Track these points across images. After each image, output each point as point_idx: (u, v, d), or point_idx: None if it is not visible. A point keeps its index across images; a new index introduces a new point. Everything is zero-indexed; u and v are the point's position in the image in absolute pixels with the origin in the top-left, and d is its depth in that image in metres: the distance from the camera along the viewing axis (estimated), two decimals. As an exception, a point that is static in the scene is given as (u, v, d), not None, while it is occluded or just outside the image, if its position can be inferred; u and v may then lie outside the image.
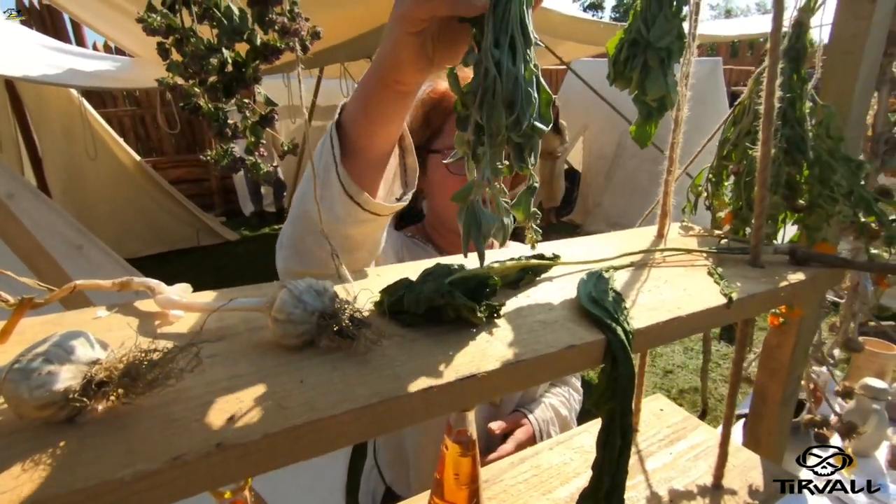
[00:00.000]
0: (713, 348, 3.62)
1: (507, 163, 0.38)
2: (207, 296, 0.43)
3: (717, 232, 0.78)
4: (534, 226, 0.43)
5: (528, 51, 0.37)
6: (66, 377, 0.26)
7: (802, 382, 1.36)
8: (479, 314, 0.40)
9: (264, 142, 0.38)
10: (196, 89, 0.34)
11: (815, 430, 1.30)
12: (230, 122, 0.36)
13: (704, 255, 0.64)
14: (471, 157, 0.37)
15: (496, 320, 0.43)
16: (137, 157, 4.79)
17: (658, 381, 3.30)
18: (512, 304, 0.47)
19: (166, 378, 0.28)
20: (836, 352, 1.10)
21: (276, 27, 0.32)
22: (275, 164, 5.95)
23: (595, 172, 6.22)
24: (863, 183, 0.69)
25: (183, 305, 0.39)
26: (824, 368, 1.12)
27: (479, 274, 0.44)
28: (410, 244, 0.95)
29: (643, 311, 0.47)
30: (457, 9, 0.39)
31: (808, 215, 0.72)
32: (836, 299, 1.19)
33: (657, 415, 0.89)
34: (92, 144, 4.08)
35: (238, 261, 5.00)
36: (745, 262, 0.62)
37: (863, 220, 0.68)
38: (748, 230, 0.75)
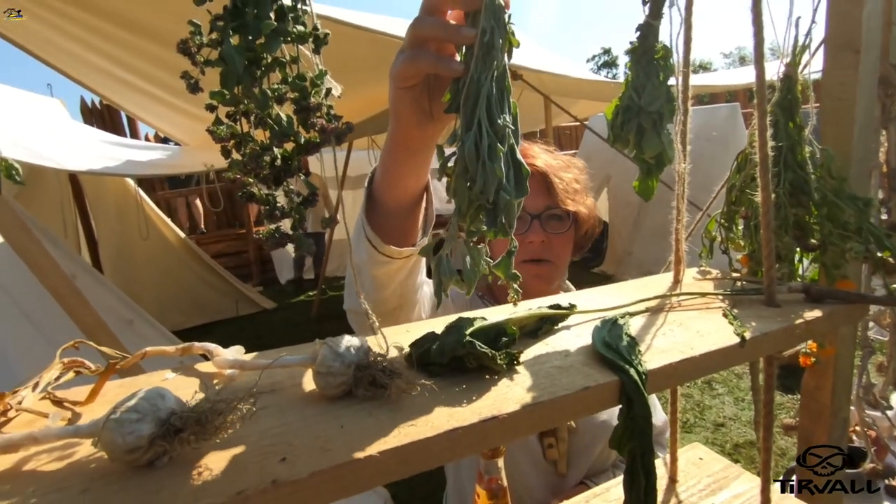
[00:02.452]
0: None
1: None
2: (256, 356, 0.49)
3: (734, 274, 0.80)
4: (514, 286, 0.48)
5: (495, 135, 0.44)
6: (151, 426, 0.31)
7: (858, 428, 1.29)
8: (498, 362, 0.44)
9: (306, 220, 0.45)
10: (251, 180, 0.41)
11: (886, 482, 1.21)
12: (278, 204, 0.43)
13: (720, 297, 0.66)
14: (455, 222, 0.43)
15: (516, 367, 0.47)
16: (182, 235, 5.11)
17: (710, 435, 3.12)
18: (531, 351, 0.50)
19: (228, 425, 0.33)
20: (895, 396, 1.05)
21: (317, 128, 0.39)
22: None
23: (622, 221, 6.22)
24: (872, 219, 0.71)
25: (237, 364, 0.45)
26: (880, 413, 1.07)
27: (498, 325, 0.48)
28: (479, 303, 1.01)
29: (656, 354, 0.49)
30: (437, 68, 0.47)
31: (823, 253, 0.73)
32: (879, 338, 1.16)
33: (696, 464, 0.87)
34: (145, 225, 4.41)
35: (275, 328, 5.14)
36: (761, 303, 0.64)
37: (878, 255, 0.70)
38: (780, 270, 0.77)
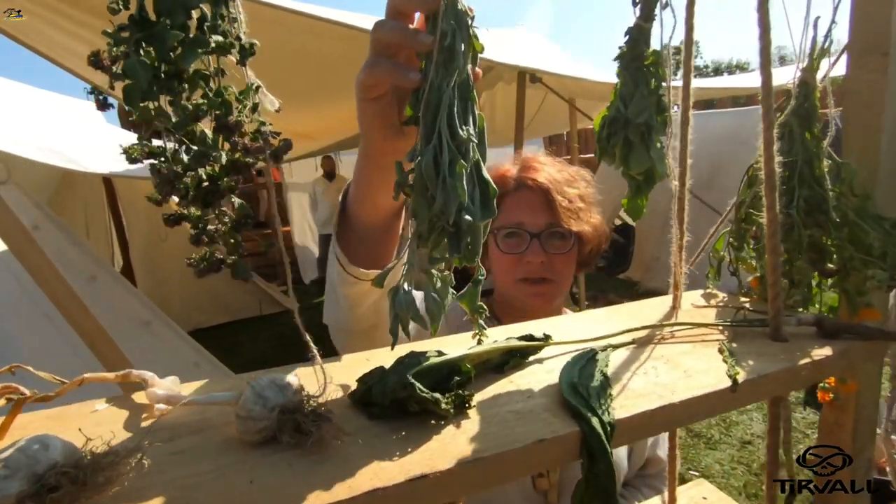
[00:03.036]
0: (798, 415, 3.25)
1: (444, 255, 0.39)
2: (195, 386, 0.45)
3: (743, 299, 0.74)
4: (480, 320, 0.43)
5: (456, 148, 0.39)
6: (21, 483, 0.28)
7: (882, 461, 1.18)
8: (443, 406, 0.39)
9: (244, 244, 0.41)
10: (177, 201, 0.38)
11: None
12: (210, 227, 0.40)
13: (719, 328, 0.60)
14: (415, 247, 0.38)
15: (468, 411, 0.42)
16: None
17: (735, 453, 2.97)
18: (491, 390, 0.46)
19: (113, 482, 0.29)
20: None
21: (240, 148, 0.35)
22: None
23: (650, 226, 6.04)
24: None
25: (164, 399, 0.41)
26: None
27: (452, 362, 0.44)
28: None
29: (631, 398, 0.44)
30: (394, 78, 0.43)
31: (844, 279, 0.66)
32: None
33: (700, 504, 0.80)
34: (147, 223, 4.54)
35: (297, 328, 5.18)
36: (766, 336, 0.58)
37: (906, 283, 0.62)
38: (794, 297, 0.69)
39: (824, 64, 0.67)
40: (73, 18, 2.00)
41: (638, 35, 0.53)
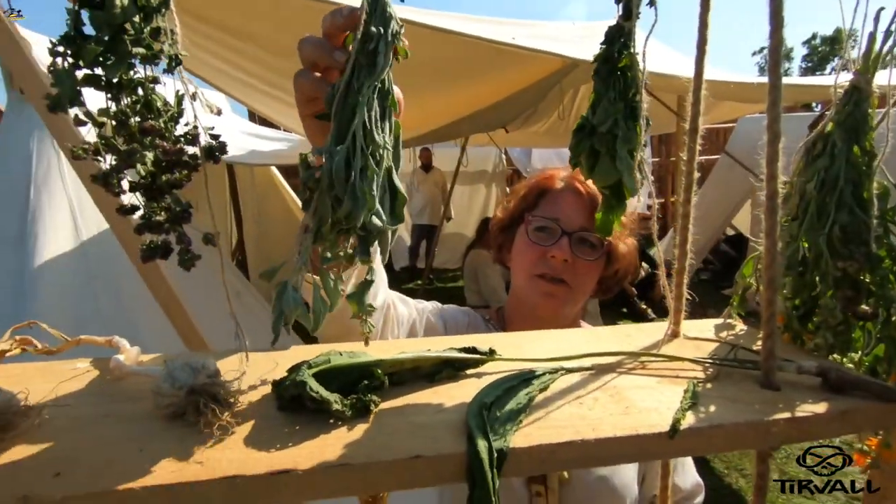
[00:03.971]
0: None
1: (349, 251, 0.40)
2: (154, 358, 0.51)
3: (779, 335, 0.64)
4: (369, 321, 0.43)
5: (371, 154, 0.39)
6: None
7: None
8: (336, 408, 0.40)
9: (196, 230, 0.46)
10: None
11: None
12: (154, 218, 0.44)
13: (704, 365, 0.53)
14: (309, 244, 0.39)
15: (370, 416, 0.42)
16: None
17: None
18: (407, 399, 0.45)
19: (14, 429, 0.35)
20: None
21: (160, 151, 0.39)
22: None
23: (766, 240, 5.38)
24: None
25: (117, 367, 0.47)
26: None
27: (363, 365, 0.44)
28: (479, 324, 0.96)
29: (543, 428, 0.41)
30: (316, 90, 0.44)
31: (887, 325, 0.55)
32: None
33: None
34: (256, 207, 5.03)
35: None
36: (756, 381, 0.50)
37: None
38: (815, 340, 0.60)
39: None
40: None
41: (614, 35, 0.48)
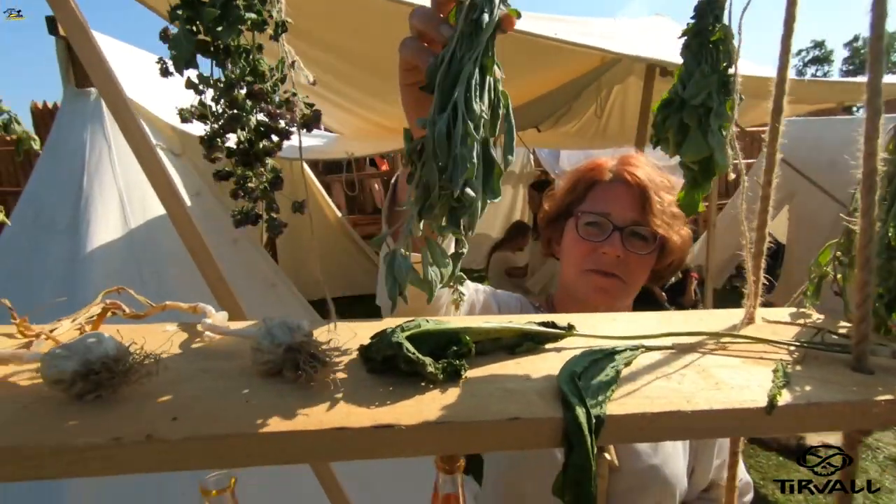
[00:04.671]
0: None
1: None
2: (245, 324, 0.53)
3: (846, 324, 0.62)
4: (459, 288, 0.43)
5: (470, 121, 0.39)
6: (75, 363, 0.36)
7: None
8: (430, 370, 0.41)
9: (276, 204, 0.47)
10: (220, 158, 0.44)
11: None
12: (249, 185, 0.46)
13: (790, 348, 0.52)
14: (416, 214, 0.40)
15: (461, 381, 0.43)
16: (339, 214, 5.74)
17: None
18: (493, 368, 0.46)
19: (135, 378, 0.36)
20: None
21: (265, 114, 0.40)
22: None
23: (805, 246, 5.23)
24: None
25: (209, 328, 0.49)
26: None
27: (452, 331, 0.45)
28: (530, 310, 0.96)
29: (637, 398, 0.41)
30: (418, 59, 0.44)
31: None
32: None
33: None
34: (289, 201, 5.09)
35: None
36: (847, 365, 0.49)
37: None
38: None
39: None
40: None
41: (705, 8, 0.48)
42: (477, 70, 0.42)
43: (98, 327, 0.50)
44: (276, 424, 0.35)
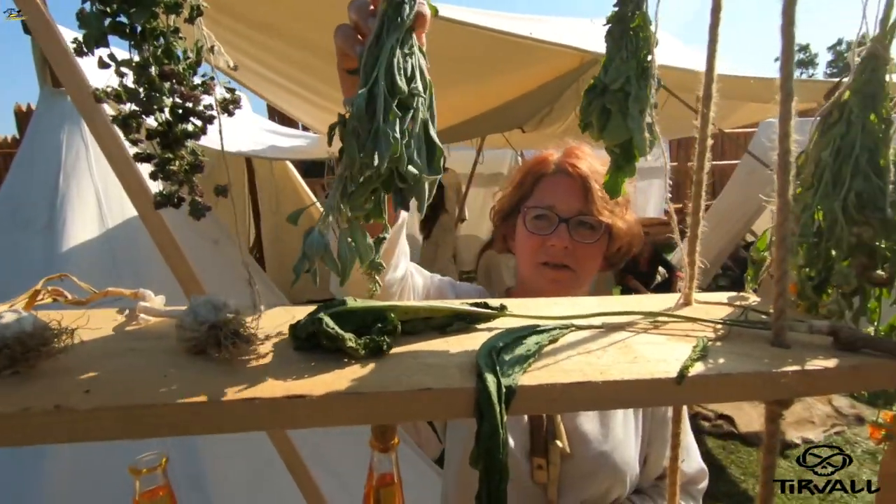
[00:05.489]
0: None
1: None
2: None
3: (794, 306, 0.64)
4: (376, 276, 0.44)
5: (392, 97, 0.40)
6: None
7: None
8: (349, 345, 0.42)
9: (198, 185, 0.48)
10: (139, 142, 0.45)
11: None
12: (169, 168, 0.46)
13: (714, 326, 0.53)
14: (338, 192, 0.40)
15: (383, 356, 0.44)
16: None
17: None
18: (420, 345, 0.47)
19: (48, 354, 0.37)
20: None
21: (177, 96, 0.41)
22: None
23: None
24: None
25: (143, 310, 0.49)
26: None
27: (377, 309, 0.46)
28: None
29: (552, 371, 0.42)
30: (346, 46, 0.45)
31: (904, 292, 0.54)
32: None
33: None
34: (276, 200, 5.09)
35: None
36: (767, 340, 0.50)
37: None
38: (828, 306, 0.59)
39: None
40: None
41: (628, -4, 0.49)
42: (399, 51, 0.43)
43: (29, 310, 0.50)
44: (187, 396, 0.36)
